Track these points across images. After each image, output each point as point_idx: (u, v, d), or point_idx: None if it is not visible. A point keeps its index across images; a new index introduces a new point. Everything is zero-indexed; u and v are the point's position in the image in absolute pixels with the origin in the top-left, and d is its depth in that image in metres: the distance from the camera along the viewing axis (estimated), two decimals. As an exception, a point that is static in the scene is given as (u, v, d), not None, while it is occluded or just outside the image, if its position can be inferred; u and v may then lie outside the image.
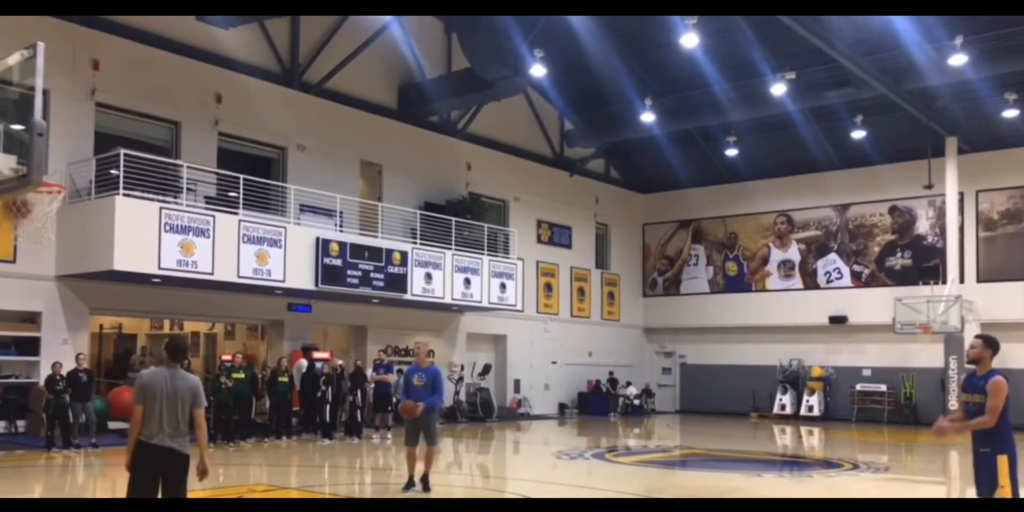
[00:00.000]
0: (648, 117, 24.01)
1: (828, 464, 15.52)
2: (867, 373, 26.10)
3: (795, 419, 26.03)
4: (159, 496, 6.23)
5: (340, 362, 18.75)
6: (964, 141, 23.92)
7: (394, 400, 12.98)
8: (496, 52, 20.97)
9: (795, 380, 26.93)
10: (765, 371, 27.32)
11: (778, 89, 21.49)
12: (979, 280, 24.34)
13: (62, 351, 15.86)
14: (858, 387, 26.06)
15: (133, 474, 6.26)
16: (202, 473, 6.40)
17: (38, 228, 10.67)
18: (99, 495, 11.32)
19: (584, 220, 28.68)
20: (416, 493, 10.28)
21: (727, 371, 28.36)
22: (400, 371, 20.47)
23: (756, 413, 27.19)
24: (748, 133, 26.13)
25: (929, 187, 23.62)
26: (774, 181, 27.84)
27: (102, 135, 16.95)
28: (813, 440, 21.45)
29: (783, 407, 26.71)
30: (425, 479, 10.33)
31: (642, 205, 30.96)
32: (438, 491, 11.90)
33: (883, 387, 25.61)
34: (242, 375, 16.63)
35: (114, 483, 12.61)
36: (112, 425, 17.08)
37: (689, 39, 19.48)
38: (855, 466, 14.86)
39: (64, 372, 14.76)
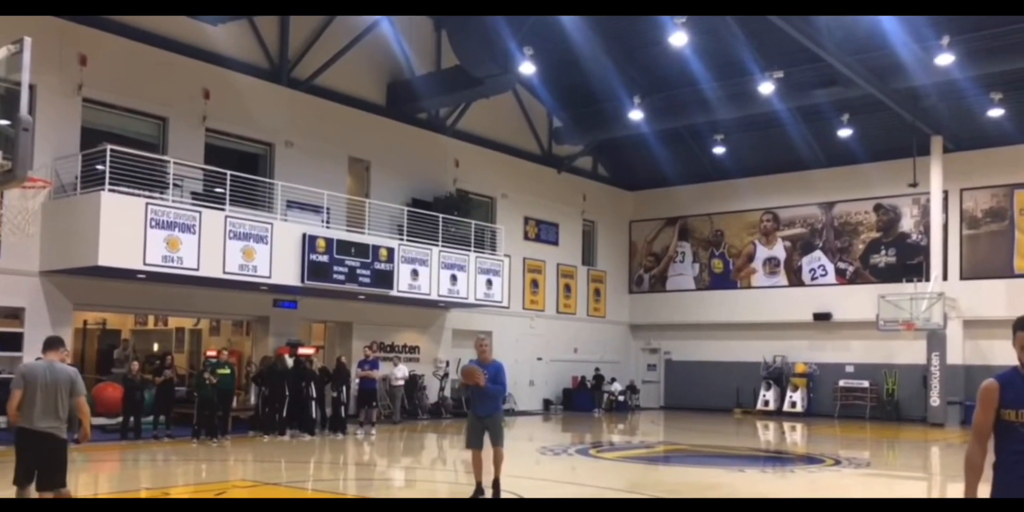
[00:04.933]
0: (636, 115, 24.09)
1: (810, 459, 15.64)
2: (850, 369, 26.29)
3: (778, 415, 26.20)
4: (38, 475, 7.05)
5: (312, 356, 18.52)
6: (949, 140, 24.10)
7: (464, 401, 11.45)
8: (485, 49, 21.00)
9: (779, 376, 27.10)
10: (749, 367, 27.49)
11: (766, 88, 21.59)
12: (962, 277, 24.53)
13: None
14: (841, 383, 26.24)
15: (16, 456, 7.09)
16: (83, 438, 7.53)
17: (19, 223, 10.64)
18: (80, 491, 11.32)
19: (571, 217, 28.75)
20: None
21: (712, 367, 28.51)
22: (396, 361, 20.75)
23: (740, 409, 27.35)
24: (735, 131, 26.24)
25: (914, 185, 23.78)
26: (761, 179, 27.97)
27: (88, 130, 16.90)
28: (796, 436, 21.60)
29: (766, 403, 26.88)
30: (496, 484, 9.63)
31: (629, 202, 31.05)
32: (422, 489, 11.96)
33: (866, 383, 25.80)
34: (227, 370, 16.64)
35: (96, 478, 12.64)
36: (95, 421, 17.03)
37: (678, 38, 19.57)
38: (837, 462, 14.99)
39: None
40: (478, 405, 9.78)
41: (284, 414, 17.21)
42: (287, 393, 17.25)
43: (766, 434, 22.13)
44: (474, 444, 9.72)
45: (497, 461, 9.62)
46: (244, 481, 11.90)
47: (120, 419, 16.31)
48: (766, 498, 10.56)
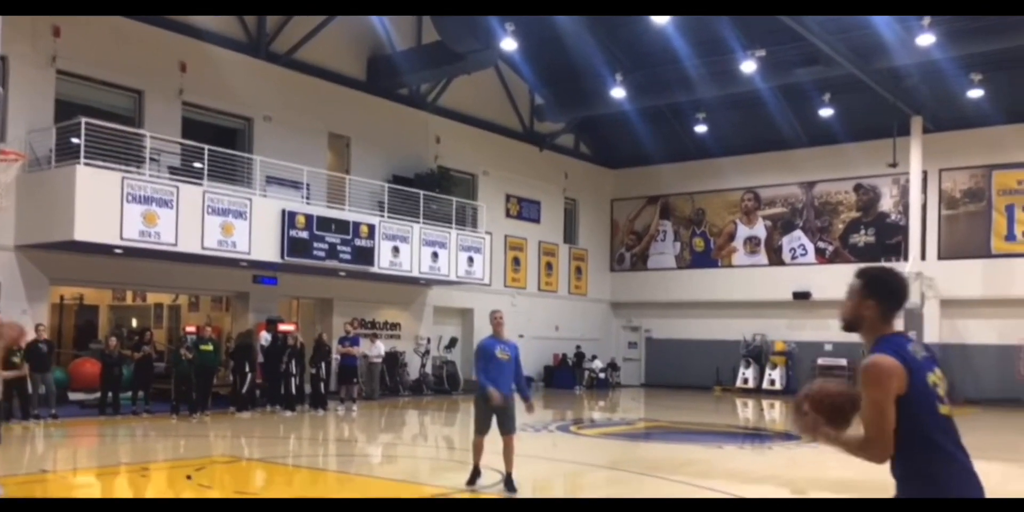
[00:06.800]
0: (619, 92, 23.98)
1: (788, 436, 15.76)
2: (828, 348, 26.46)
3: (757, 393, 26.39)
4: None
5: (292, 333, 18.41)
6: (929, 120, 24.16)
7: (489, 388, 8.91)
8: (467, 25, 20.81)
9: (758, 354, 27.28)
10: (729, 346, 27.64)
11: (748, 66, 21.53)
12: (940, 257, 24.71)
13: (21, 322, 15.59)
14: (820, 361, 26.42)
15: None
16: None
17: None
18: (59, 466, 11.26)
19: (553, 195, 28.69)
20: (499, 493, 8.90)
21: (692, 345, 28.66)
22: (373, 338, 20.67)
23: (719, 387, 27.53)
24: (717, 110, 26.20)
25: (894, 165, 23.86)
26: (742, 158, 27.98)
27: (63, 103, 16.65)
28: (774, 413, 21.77)
29: (746, 381, 27.06)
30: (510, 478, 8.94)
31: (611, 180, 31.02)
32: (402, 465, 11.98)
33: (844, 361, 25.95)
34: (210, 347, 16.55)
35: (75, 453, 12.57)
36: (73, 396, 16.97)
37: (660, 16, 19.43)
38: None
39: (23, 343, 14.58)
40: (498, 382, 8.84)
41: (244, 390, 17.07)
42: (248, 370, 17.15)
43: (745, 411, 22.30)
44: (481, 430, 9.03)
45: (508, 451, 8.92)
46: (224, 456, 11.87)
47: (98, 395, 16.20)
48: (764, 498, 10.65)
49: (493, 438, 8.99)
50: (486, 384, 8.84)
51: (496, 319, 9.30)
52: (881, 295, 3.27)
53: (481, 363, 9.06)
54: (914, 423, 3.04)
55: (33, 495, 8.82)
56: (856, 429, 3.17)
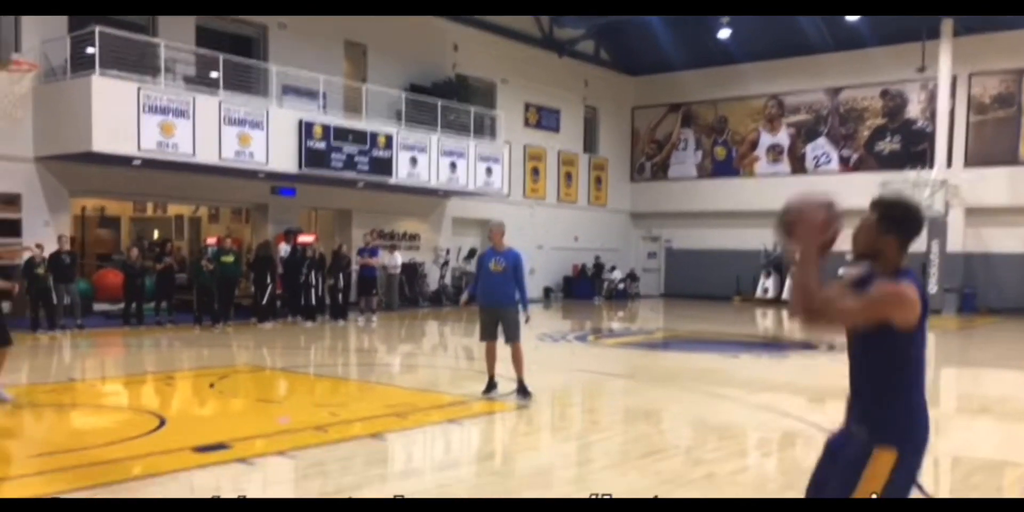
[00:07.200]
0: (640, -4, 23.26)
1: (806, 346, 15.85)
2: (850, 258, 26.30)
3: (777, 303, 26.43)
4: None
5: (312, 244, 18.42)
6: (960, 22, 23.36)
7: (465, 294, 10.39)
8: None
9: (778, 264, 27.20)
10: (749, 256, 27.55)
11: (774, -33, 20.76)
12: (966, 164, 24.30)
13: (44, 233, 15.80)
14: (840, 270, 26.21)
15: None
16: None
17: (5, 107, 10.45)
18: (86, 375, 11.52)
19: (573, 103, 28.24)
20: (514, 401, 9.02)
21: (712, 256, 28.62)
22: (392, 249, 20.72)
23: (739, 297, 27.61)
24: (742, 13, 25.42)
25: (922, 70, 23.22)
26: (766, 64, 27.29)
27: (74, 11, 16.36)
28: (793, 323, 21.83)
29: (765, 291, 27.08)
30: (521, 384, 9.13)
31: (632, 88, 30.44)
32: (423, 375, 12.17)
33: (866, 270, 25.89)
34: (231, 258, 16.66)
35: (103, 362, 12.84)
36: (97, 307, 17.24)
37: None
38: (831, 347, 15.18)
39: (46, 254, 14.76)
40: (482, 296, 9.17)
41: (265, 301, 17.22)
42: (268, 281, 17.26)
43: (764, 321, 22.40)
44: (486, 337, 9.21)
45: (515, 357, 9.12)
46: (246, 366, 12.09)
47: (122, 305, 16.45)
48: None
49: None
50: (466, 293, 10.09)
51: (490, 232, 9.36)
52: (899, 230, 3.27)
53: (475, 273, 9.99)
54: (915, 361, 3.16)
55: (61, 403, 9.05)
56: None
